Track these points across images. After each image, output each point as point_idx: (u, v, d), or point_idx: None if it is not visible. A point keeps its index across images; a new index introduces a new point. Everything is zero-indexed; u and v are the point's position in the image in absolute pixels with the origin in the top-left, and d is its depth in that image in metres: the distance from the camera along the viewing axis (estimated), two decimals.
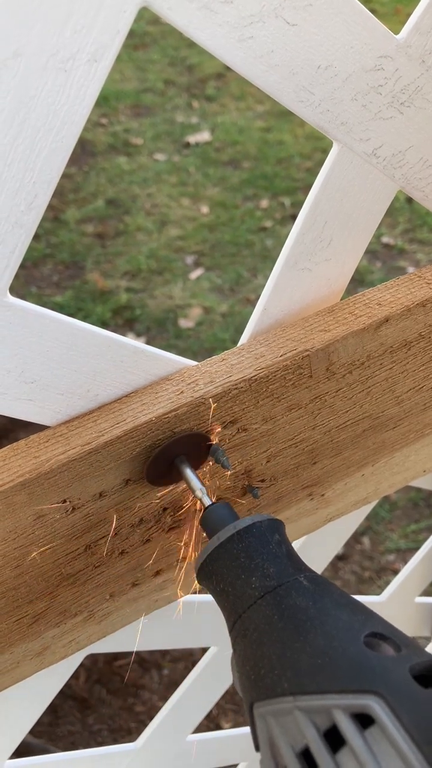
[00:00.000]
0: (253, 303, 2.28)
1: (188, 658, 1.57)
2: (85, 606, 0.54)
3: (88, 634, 0.56)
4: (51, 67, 0.36)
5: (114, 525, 0.50)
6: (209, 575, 0.44)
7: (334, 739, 0.35)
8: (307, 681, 0.36)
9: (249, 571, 0.42)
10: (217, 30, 0.40)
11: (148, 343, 2.16)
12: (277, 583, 0.41)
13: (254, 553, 0.42)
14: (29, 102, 0.36)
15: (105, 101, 3.14)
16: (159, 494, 0.51)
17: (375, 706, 0.34)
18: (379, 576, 1.74)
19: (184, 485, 0.51)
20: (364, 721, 0.34)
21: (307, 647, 0.37)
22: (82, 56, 0.36)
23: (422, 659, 0.36)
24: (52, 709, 1.48)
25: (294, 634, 0.38)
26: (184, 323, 2.23)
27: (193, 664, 1.49)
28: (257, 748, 0.39)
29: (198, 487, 0.48)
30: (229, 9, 0.39)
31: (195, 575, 0.45)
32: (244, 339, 0.53)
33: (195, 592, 0.60)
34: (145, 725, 0.81)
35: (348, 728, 0.34)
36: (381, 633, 0.38)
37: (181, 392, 0.48)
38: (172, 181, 2.76)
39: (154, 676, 1.56)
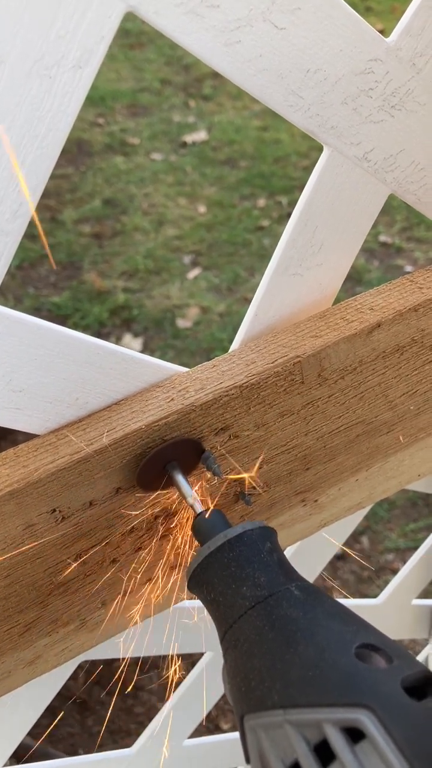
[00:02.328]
0: (250, 302, 2.27)
1: (187, 659, 1.56)
2: (77, 615, 0.53)
3: (80, 642, 0.56)
4: (35, 73, 0.35)
5: (105, 533, 0.50)
6: (200, 584, 0.43)
7: (324, 754, 0.34)
8: (297, 694, 0.36)
9: (240, 580, 0.41)
10: (204, 34, 0.39)
11: (146, 343, 2.16)
12: (268, 593, 0.40)
13: (245, 562, 0.42)
14: (13, 109, 0.36)
15: (101, 101, 3.13)
16: (150, 502, 0.50)
17: (365, 720, 0.34)
18: (378, 575, 1.74)
19: (176, 492, 0.50)
20: (355, 735, 0.34)
21: (297, 659, 0.37)
22: (66, 62, 0.36)
23: (414, 671, 0.36)
24: (51, 711, 1.47)
25: (284, 646, 0.38)
26: (182, 323, 2.23)
27: (192, 664, 1.49)
28: (248, 761, 0.38)
29: (189, 494, 0.47)
30: (216, 13, 0.39)
31: (186, 584, 0.45)
32: (235, 345, 0.52)
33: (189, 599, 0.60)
34: (144, 726, 0.81)
35: (338, 743, 0.34)
36: (373, 644, 0.37)
37: (172, 399, 0.48)
38: (169, 180, 2.75)
39: (152, 677, 1.55)
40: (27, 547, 0.47)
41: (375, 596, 0.96)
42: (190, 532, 0.51)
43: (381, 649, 0.37)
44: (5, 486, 0.44)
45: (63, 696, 1.47)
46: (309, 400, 0.53)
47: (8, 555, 0.46)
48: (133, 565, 0.53)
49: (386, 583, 1.65)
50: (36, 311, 2.24)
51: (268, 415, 0.52)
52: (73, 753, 1.44)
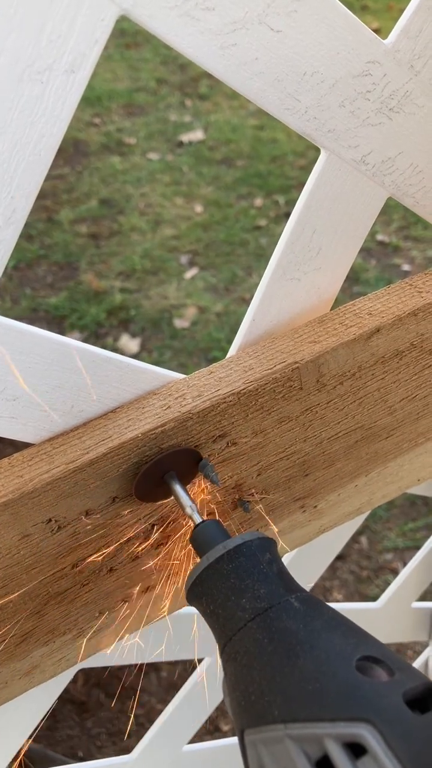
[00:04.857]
0: (248, 302, 2.26)
1: (186, 662, 1.56)
2: (74, 624, 0.53)
3: (78, 652, 0.55)
4: (27, 78, 0.35)
5: (101, 543, 0.49)
6: (199, 596, 0.43)
7: None
8: (297, 708, 0.35)
9: (239, 592, 0.41)
10: (199, 37, 0.38)
11: (143, 343, 2.15)
12: (268, 605, 0.40)
13: (244, 573, 0.41)
14: (5, 114, 0.35)
15: (98, 101, 3.12)
16: (148, 511, 0.50)
17: (367, 735, 0.33)
18: (377, 575, 1.73)
19: (174, 501, 0.50)
20: (357, 749, 0.33)
21: (297, 672, 0.36)
22: (59, 67, 0.35)
23: (416, 684, 0.35)
24: (51, 714, 1.47)
25: (284, 659, 0.37)
26: (180, 323, 2.22)
27: (192, 666, 1.48)
28: None
29: (188, 504, 0.47)
30: (211, 16, 0.38)
31: (185, 596, 0.44)
32: (232, 351, 0.52)
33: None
34: (144, 728, 0.80)
35: (339, 758, 0.33)
36: (374, 656, 0.37)
37: (168, 407, 0.47)
38: (165, 180, 2.74)
39: (152, 678, 1.55)
40: (22, 557, 0.46)
41: (374, 596, 0.96)
42: (188, 541, 0.51)
43: (382, 661, 0.37)
44: (0, 497, 0.43)
45: (62, 698, 1.46)
46: (307, 406, 0.52)
47: (3, 566, 0.46)
48: (131, 574, 0.53)
49: (385, 582, 1.65)
50: (33, 312, 2.23)
51: (266, 422, 0.51)
52: (72, 755, 1.44)
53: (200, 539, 0.44)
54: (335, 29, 0.42)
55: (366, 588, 1.70)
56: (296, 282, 0.51)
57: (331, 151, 0.46)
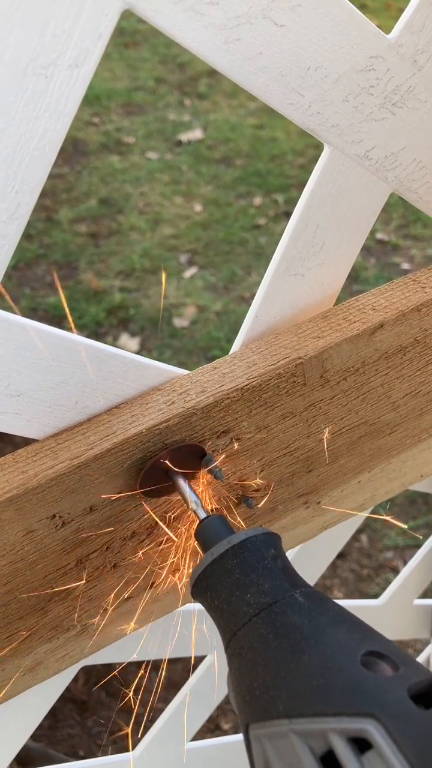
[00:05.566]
0: (247, 301, 2.26)
1: (187, 660, 1.56)
2: (78, 620, 0.53)
3: (81, 648, 0.55)
4: (31, 73, 0.35)
5: (105, 539, 0.49)
6: (203, 591, 0.43)
7: (330, 764, 0.34)
8: (302, 703, 0.35)
9: (244, 587, 0.41)
10: (203, 32, 0.38)
11: (142, 342, 2.15)
12: (272, 600, 0.40)
13: (249, 568, 0.41)
14: (9, 109, 0.35)
15: (97, 100, 3.12)
16: (152, 507, 0.50)
17: (372, 729, 0.33)
18: (377, 573, 1.74)
19: (178, 497, 0.50)
20: (362, 744, 0.33)
21: (302, 667, 0.36)
22: (63, 61, 0.35)
23: (420, 678, 0.35)
24: (52, 713, 1.47)
25: (289, 654, 0.37)
26: (179, 322, 2.22)
27: (193, 665, 1.48)
28: None
29: (192, 499, 0.46)
30: (215, 11, 0.38)
31: (189, 591, 0.44)
32: (236, 347, 0.52)
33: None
34: (145, 727, 0.80)
35: (344, 753, 0.33)
36: (379, 651, 0.37)
37: (172, 402, 0.47)
38: (164, 179, 2.74)
39: (153, 677, 1.55)
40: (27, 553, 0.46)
41: (374, 594, 0.96)
42: (192, 537, 0.51)
43: (387, 656, 0.37)
44: (4, 492, 0.43)
45: (62, 697, 1.46)
46: (311, 401, 0.52)
47: (8, 561, 0.46)
48: (134, 570, 0.53)
49: (385, 581, 1.65)
50: (32, 312, 2.23)
51: (269, 418, 0.51)
52: (73, 754, 1.44)
53: (204, 534, 0.44)
54: (339, 24, 0.42)
55: (366, 586, 1.70)
56: (300, 278, 0.51)
57: (334, 146, 0.46)
